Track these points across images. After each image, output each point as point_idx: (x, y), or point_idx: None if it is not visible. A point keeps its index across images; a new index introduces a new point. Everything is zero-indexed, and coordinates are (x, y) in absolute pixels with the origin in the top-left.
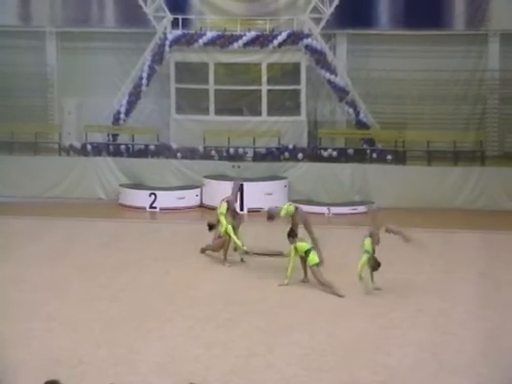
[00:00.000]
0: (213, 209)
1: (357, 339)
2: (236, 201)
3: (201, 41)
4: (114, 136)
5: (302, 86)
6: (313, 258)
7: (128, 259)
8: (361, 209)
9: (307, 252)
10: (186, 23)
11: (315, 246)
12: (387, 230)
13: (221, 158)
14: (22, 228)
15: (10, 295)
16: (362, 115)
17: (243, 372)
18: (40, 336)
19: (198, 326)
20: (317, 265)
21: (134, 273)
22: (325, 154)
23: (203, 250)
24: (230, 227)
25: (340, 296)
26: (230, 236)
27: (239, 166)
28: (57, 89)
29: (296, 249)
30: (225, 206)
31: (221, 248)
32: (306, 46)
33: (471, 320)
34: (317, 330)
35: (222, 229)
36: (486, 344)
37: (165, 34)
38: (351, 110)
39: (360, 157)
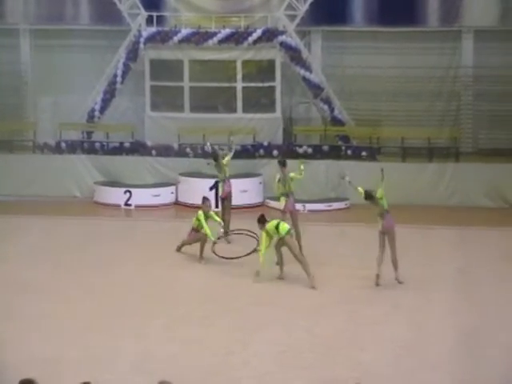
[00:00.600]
0: (188, 206)
1: (333, 336)
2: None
3: (175, 38)
4: (89, 134)
5: (277, 83)
6: (283, 227)
7: (103, 257)
8: (336, 205)
9: (277, 226)
10: (160, 20)
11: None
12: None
13: (196, 156)
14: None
15: None
16: (336, 112)
17: (219, 370)
18: (15, 335)
19: (174, 324)
20: (288, 232)
21: (108, 271)
22: (300, 150)
23: (179, 248)
24: (200, 213)
25: (310, 276)
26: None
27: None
28: (31, 86)
29: (267, 232)
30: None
31: (195, 241)
32: (281, 43)
33: (447, 316)
34: (293, 327)
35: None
36: (463, 340)
37: (139, 31)
38: (326, 107)
39: (335, 153)
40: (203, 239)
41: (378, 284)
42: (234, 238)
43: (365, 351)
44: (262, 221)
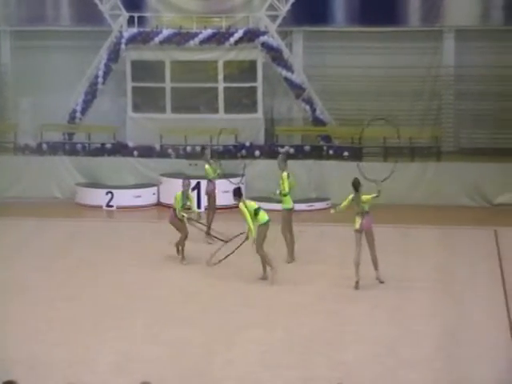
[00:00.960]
0: (171, 207)
1: (314, 336)
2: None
3: (157, 39)
4: (70, 135)
5: (259, 84)
6: (263, 216)
7: (85, 258)
8: (317, 205)
9: (256, 211)
10: (141, 21)
11: None
12: None
13: (178, 156)
14: None
15: None
16: (318, 112)
17: (202, 370)
18: None
19: (156, 325)
20: (266, 223)
21: (91, 272)
22: (282, 151)
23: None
24: (179, 193)
25: (272, 268)
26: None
27: (196, 164)
28: (12, 88)
29: (245, 204)
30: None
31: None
32: (263, 44)
33: (427, 315)
34: (275, 327)
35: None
36: (442, 339)
37: (121, 32)
38: (308, 107)
39: (317, 153)
40: (185, 234)
41: (357, 288)
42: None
43: (345, 351)
44: (238, 194)
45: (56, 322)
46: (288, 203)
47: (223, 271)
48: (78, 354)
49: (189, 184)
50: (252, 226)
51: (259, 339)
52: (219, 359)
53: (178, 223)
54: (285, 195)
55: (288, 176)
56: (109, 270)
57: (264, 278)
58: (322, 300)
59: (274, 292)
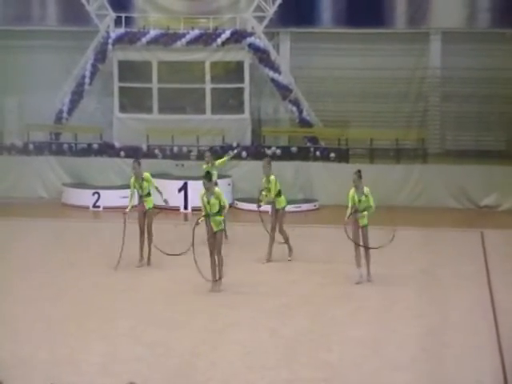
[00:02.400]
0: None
1: (299, 337)
2: None
3: (144, 39)
4: (57, 135)
5: (246, 85)
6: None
7: (70, 259)
8: (305, 207)
9: (221, 207)
10: (129, 21)
11: None
12: None
13: (164, 157)
14: None
15: None
16: (305, 113)
17: (186, 371)
18: None
19: (140, 326)
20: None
21: (75, 273)
22: (268, 152)
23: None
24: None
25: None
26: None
27: (183, 165)
28: None
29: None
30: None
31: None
32: (250, 45)
33: (412, 316)
34: (259, 329)
35: None
36: (427, 340)
37: (108, 32)
38: (294, 109)
39: (303, 155)
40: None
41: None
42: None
43: (330, 352)
44: (208, 178)
45: (40, 322)
46: (284, 202)
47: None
48: (62, 354)
49: (139, 165)
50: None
51: (243, 340)
52: (203, 360)
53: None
54: (279, 196)
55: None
56: (93, 271)
57: (209, 278)
58: (305, 301)
59: (258, 293)
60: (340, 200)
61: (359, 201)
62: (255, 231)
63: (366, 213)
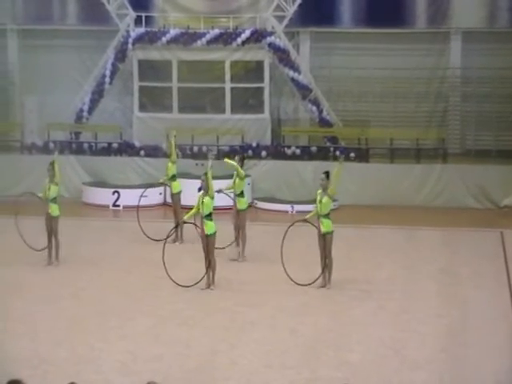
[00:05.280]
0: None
1: (319, 336)
2: None
3: (164, 39)
4: (77, 134)
5: (266, 84)
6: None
7: (90, 257)
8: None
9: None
10: (149, 21)
11: None
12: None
13: (184, 156)
14: None
15: None
16: (325, 113)
17: (206, 369)
18: (2, 336)
19: (160, 325)
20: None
21: (95, 271)
22: (288, 151)
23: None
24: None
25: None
26: None
27: (202, 164)
28: (18, 87)
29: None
30: None
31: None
32: (270, 44)
33: (431, 316)
34: (279, 327)
35: None
36: (446, 340)
37: (128, 31)
38: (314, 108)
39: (323, 154)
40: None
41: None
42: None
43: (350, 351)
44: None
45: (60, 320)
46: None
47: (227, 272)
48: (82, 353)
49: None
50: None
51: (263, 339)
52: (223, 359)
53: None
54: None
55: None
56: (113, 270)
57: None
58: (326, 301)
59: (279, 292)
60: (360, 200)
61: (320, 201)
62: (274, 230)
63: (324, 220)
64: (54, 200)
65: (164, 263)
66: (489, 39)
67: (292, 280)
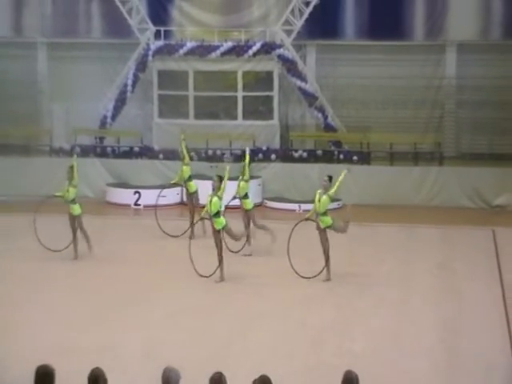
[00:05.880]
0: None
1: (324, 326)
2: None
3: (181, 51)
4: (101, 139)
5: (275, 93)
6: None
7: (113, 252)
8: (329, 206)
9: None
10: (167, 34)
11: None
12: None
13: (200, 159)
14: (14, 224)
15: (0, 287)
16: (329, 119)
17: (220, 356)
18: (30, 325)
19: (177, 315)
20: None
21: (117, 265)
22: (296, 155)
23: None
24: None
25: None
26: None
27: (217, 166)
28: (47, 95)
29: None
30: None
31: None
32: (279, 56)
33: (429, 308)
34: (287, 318)
35: None
36: (443, 331)
37: (148, 44)
38: (320, 115)
39: (328, 157)
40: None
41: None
42: None
43: (353, 341)
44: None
45: (85, 310)
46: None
47: (239, 266)
48: (104, 340)
49: None
50: None
51: (273, 328)
52: (236, 346)
53: None
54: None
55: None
56: (134, 263)
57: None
58: (331, 293)
59: (287, 285)
60: (362, 199)
61: (319, 200)
62: (283, 228)
63: (323, 218)
64: (73, 201)
65: (191, 257)
66: (481, 51)
67: (297, 273)
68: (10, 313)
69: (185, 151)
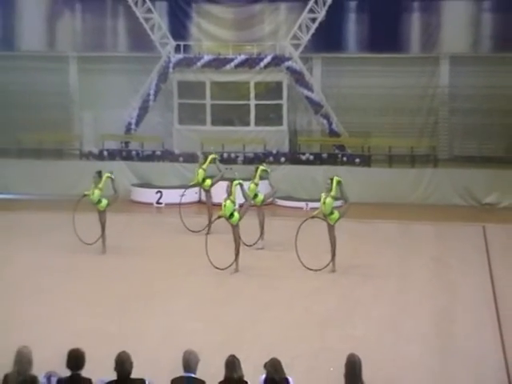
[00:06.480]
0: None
1: (328, 314)
2: None
3: (199, 63)
4: (126, 143)
5: (284, 101)
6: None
7: (137, 246)
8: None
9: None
10: (186, 48)
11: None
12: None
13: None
14: (48, 221)
15: (34, 279)
16: (334, 125)
17: (234, 342)
18: (61, 313)
19: (196, 304)
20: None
21: (141, 258)
22: (303, 157)
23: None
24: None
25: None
26: None
27: (231, 168)
28: (77, 104)
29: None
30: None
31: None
32: (287, 68)
33: (425, 298)
34: (295, 307)
35: None
36: (438, 318)
37: (169, 57)
38: (325, 121)
39: (332, 160)
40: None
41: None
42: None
43: (355, 327)
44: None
45: (111, 300)
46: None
47: (252, 259)
48: (129, 328)
49: None
50: None
51: (281, 316)
52: (249, 333)
53: None
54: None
55: None
56: (156, 256)
57: (236, 270)
58: (335, 284)
59: (295, 277)
60: (363, 198)
61: (324, 202)
62: (291, 224)
63: (330, 216)
64: (99, 201)
65: (207, 251)
66: (473, 62)
67: (304, 266)
68: (44, 301)
69: (207, 162)
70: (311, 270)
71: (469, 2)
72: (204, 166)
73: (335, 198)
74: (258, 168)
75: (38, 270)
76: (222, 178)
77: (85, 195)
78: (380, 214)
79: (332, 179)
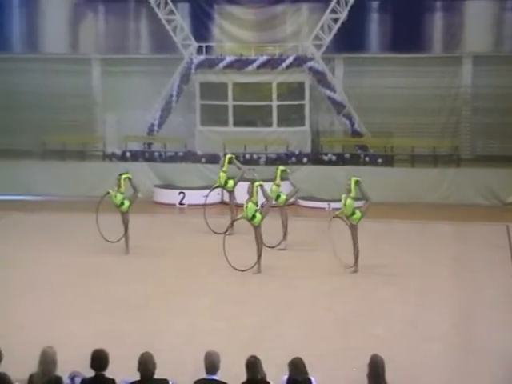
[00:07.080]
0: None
1: (350, 313)
2: None
3: (221, 64)
4: (149, 145)
5: (306, 102)
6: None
7: (159, 246)
8: (356, 204)
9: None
10: (208, 50)
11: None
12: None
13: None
14: (71, 222)
15: (58, 279)
16: (356, 125)
17: (256, 342)
18: (84, 313)
19: (217, 303)
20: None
21: (163, 258)
22: (325, 158)
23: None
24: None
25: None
26: None
27: (254, 169)
28: (101, 106)
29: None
30: None
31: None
32: (310, 68)
33: (445, 297)
34: (316, 306)
35: None
36: (458, 317)
37: (191, 58)
38: (347, 122)
39: (355, 160)
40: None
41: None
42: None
43: (377, 326)
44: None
45: (133, 300)
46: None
47: (274, 259)
48: (151, 327)
49: None
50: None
51: (304, 316)
52: (271, 332)
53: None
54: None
55: None
56: (178, 257)
57: (259, 271)
58: (357, 284)
59: (317, 277)
60: (386, 198)
61: (344, 204)
62: (314, 224)
63: (351, 217)
64: (122, 203)
65: (225, 252)
66: (495, 62)
67: (343, 265)
68: (67, 301)
69: (226, 163)
70: (349, 267)
71: (491, 1)
72: (224, 169)
73: (355, 199)
74: (277, 169)
75: (62, 271)
76: (243, 177)
77: (108, 193)
78: (402, 214)
79: (351, 180)
